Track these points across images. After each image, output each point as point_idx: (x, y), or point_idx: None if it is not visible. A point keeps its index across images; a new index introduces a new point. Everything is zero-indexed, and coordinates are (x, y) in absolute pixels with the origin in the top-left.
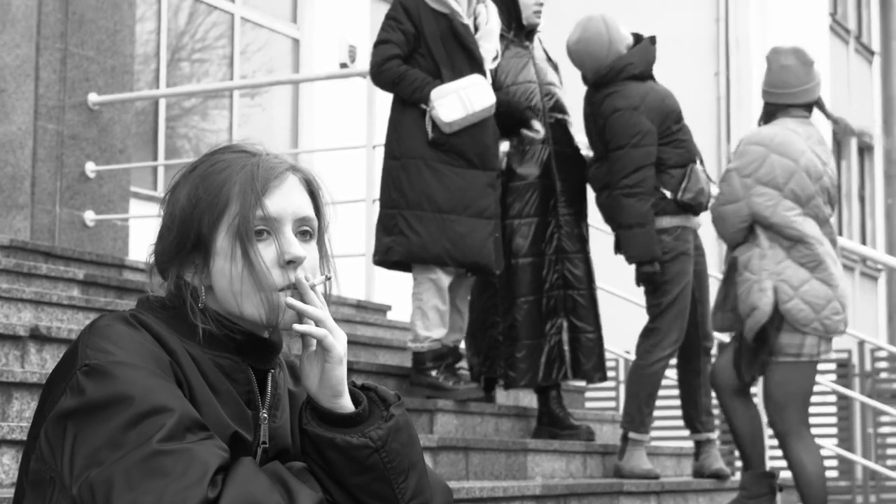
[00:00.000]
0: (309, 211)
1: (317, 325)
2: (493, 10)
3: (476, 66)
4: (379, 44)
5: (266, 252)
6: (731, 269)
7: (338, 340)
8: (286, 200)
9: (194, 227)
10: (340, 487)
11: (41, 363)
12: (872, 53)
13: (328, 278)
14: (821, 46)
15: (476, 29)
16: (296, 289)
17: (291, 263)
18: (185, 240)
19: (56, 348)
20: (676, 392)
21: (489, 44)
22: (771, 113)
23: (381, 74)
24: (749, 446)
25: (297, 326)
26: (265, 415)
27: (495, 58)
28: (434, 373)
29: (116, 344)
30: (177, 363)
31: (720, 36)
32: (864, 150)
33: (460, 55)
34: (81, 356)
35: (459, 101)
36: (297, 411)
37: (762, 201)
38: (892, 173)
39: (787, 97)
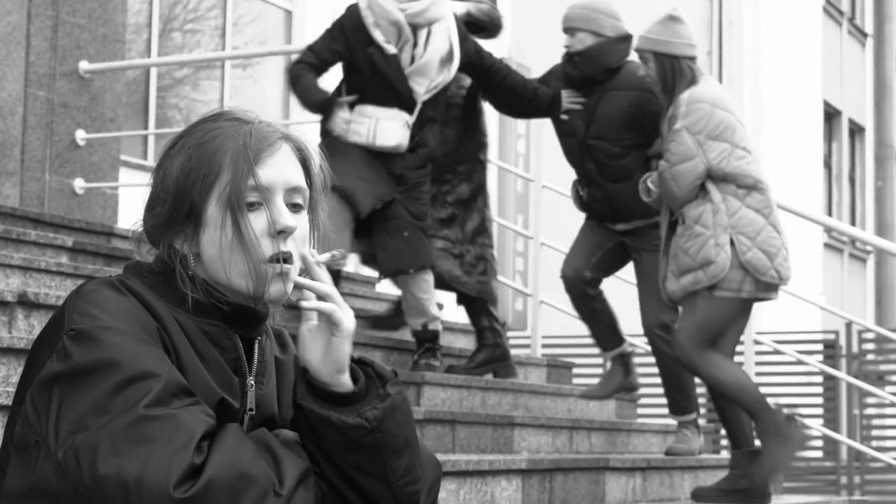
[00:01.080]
0: (301, 181)
1: (323, 300)
2: (440, 37)
3: (400, 96)
4: (307, 48)
5: (257, 222)
6: (671, 236)
7: (346, 316)
8: (278, 170)
9: (188, 197)
10: (330, 463)
11: (29, 329)
12: (865, 35)
13: (334, 255)
14: (814, 28)
15: (412, 60)
16: (286, 261)
17: (282, 234)
18: (179, 210)
19: (44, 314)
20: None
21: (423, 78)
22: (670, 69)
23: (287, 73)
24: (744, 396)
25: (304, 303)
26: (252, 382)
27: (434, 88)
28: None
29: (103, 309)
30: (164, 329)
31: (713, 15)
32: (855, 131)
33: (384, 83)
34: (68, 321)
35: (367, 130)
36: (284, 379)
37: (716, 154)
38: (882, 156)
39: (683, 48)
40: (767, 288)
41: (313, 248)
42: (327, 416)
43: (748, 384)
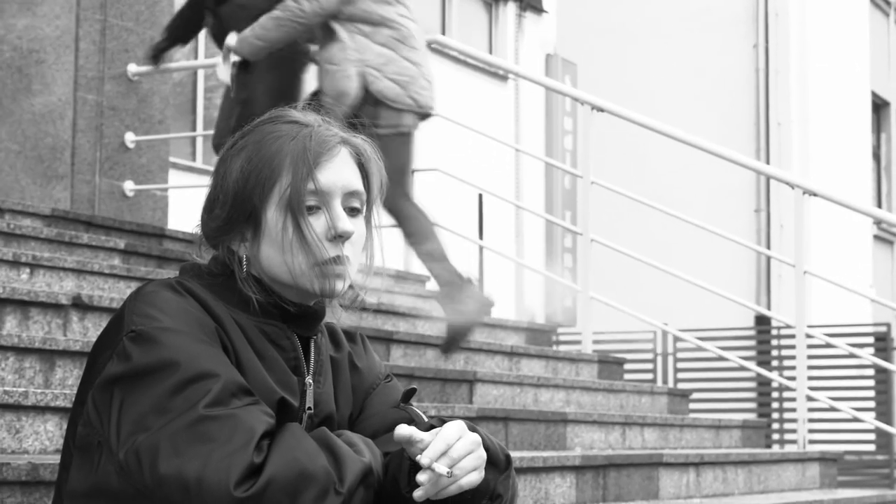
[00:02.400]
0: (358, 185)
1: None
2: None
3: None
4: None
5: (316, 225)
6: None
7: (477, 472)
8: (337, 174)
9: (248, 201)
10: None
11: (83, 331)
12: None
13: (451, 474)
14: (860, 19)
15: None
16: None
17: (340, 238)
18: (238, 212)
19: (98, 317)
20: None
21: None
22: None
23: None
24: None
25: (445, 493)
26: (310, 381)
27: None
28: None
29: (162, 310)
30: (222, 329)
31: (759, 8)
32: None
33: None
34: (128, 322)
35: None
36: (340, 377)
37: None
38: None
39: None
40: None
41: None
42: None
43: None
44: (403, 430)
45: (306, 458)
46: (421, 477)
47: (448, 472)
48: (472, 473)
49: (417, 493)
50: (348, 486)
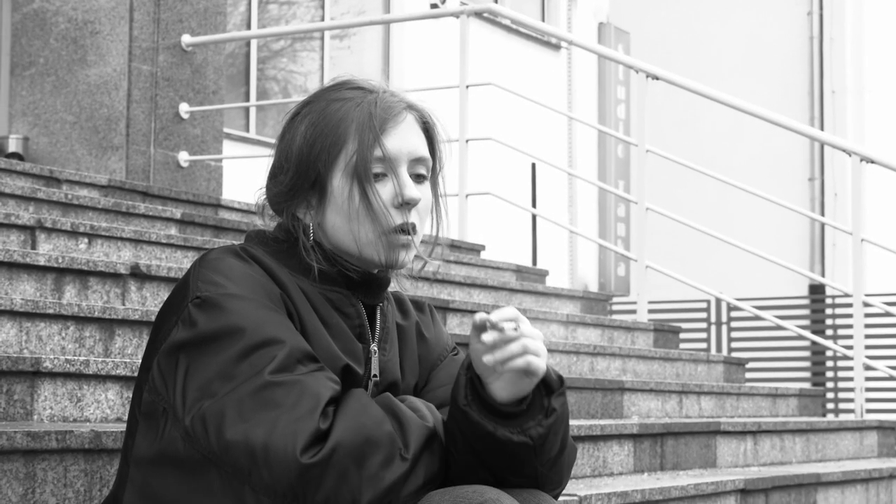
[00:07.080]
0: (424, 151)
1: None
2: None
3: None
4: None
5: (382, 192)
6: None
7: (542, 359)
8: (402, 140)
9: (313, 167)
10: (480, 461)
11: (141, 301)
12: None
13: (516, 328)
14: None
15: None
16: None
17: (407, 205)
18: (303, 179)
19: (156, 286)
20: None
21: None
22: None
23: None
24: None
25: (512, 364)
26: (375, 348)
27: None
28: None
29: (227, 277)
30: (287, 296)
31: None
32: None
33: None
34: (193, 289)
35: None
36: (406, 345)
37: None
38: None
39: None
40: None
41: (437, 218)
42: (493, 431)
43: None
44: (481, 314)
45: (372, 424)
46: (486, 337)
47: (514, 327)
48: (538, 357)
49: (487, 358)
50: (413, 451)
